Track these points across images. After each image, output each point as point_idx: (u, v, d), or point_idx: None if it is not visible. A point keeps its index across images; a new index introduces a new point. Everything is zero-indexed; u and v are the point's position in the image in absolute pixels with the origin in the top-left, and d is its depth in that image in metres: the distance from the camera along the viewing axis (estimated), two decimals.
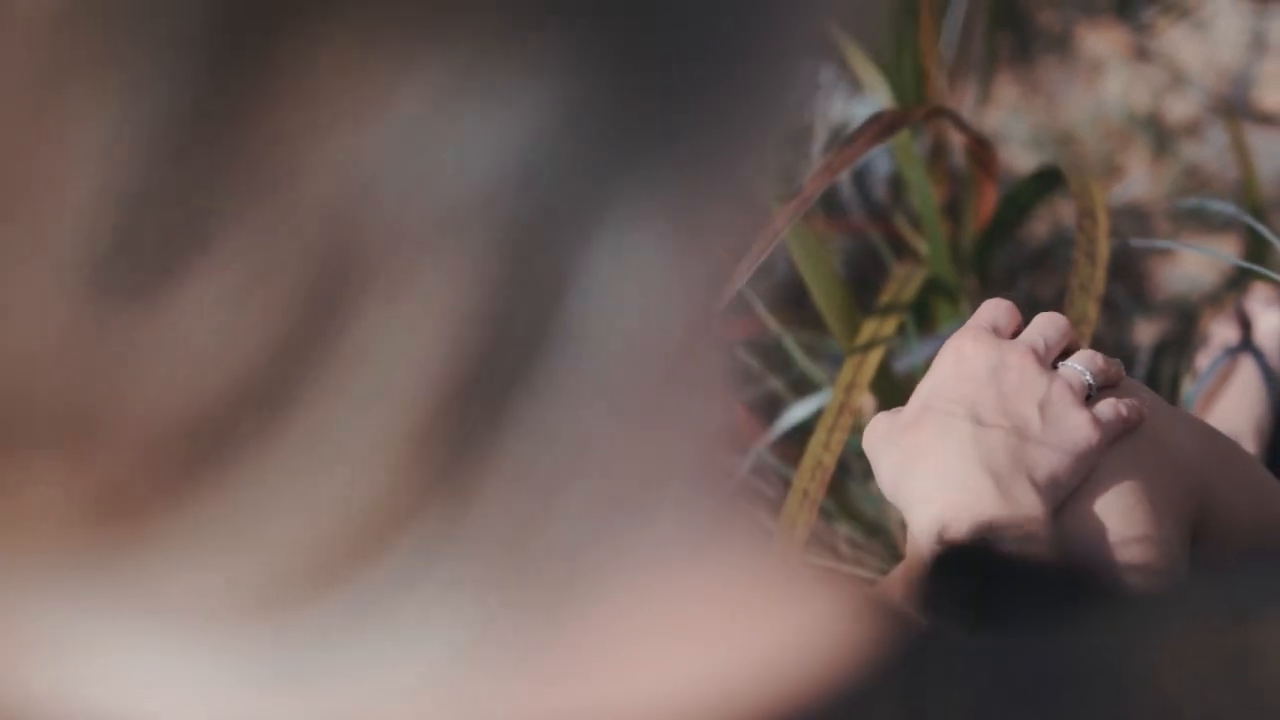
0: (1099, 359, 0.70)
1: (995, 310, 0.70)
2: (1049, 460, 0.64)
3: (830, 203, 1.27)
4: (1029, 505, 0.62)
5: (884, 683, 0.22)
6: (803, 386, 1.10)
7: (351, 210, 0.17)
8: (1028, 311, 0.73)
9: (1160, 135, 1.49)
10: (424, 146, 0.18)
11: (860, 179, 1.30)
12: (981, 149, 1.01)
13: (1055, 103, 1.54)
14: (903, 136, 0.97)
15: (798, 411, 0.99)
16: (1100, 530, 0.65)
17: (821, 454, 0.87)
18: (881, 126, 0.87)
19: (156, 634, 0.20)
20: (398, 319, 0.18)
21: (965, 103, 1.21)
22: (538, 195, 0.18)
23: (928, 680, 0.23)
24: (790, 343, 1.03)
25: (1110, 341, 1.32)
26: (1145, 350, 1.26)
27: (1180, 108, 1.52)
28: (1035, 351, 0.68)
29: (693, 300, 0.22)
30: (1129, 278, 1.38)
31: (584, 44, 0.18)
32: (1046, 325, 0.70)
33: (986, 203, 1.06)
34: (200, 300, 0.17)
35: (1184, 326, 1.32)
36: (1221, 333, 1.14)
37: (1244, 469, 0.75)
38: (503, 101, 0.18)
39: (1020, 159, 1.49)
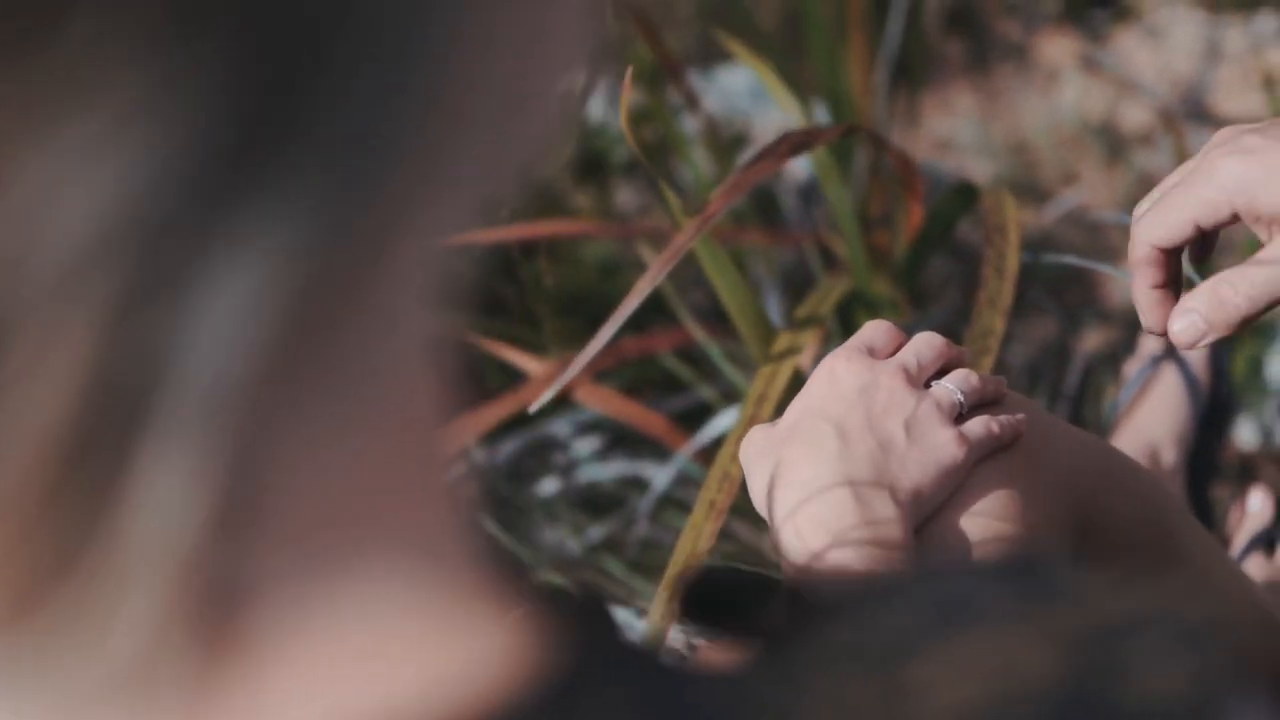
0: (973, 377, 0.72)
1: (874, 331, 0.72)
2: (911, 476, 0.66)
3: (770, 215, 1.29)
4: (889, 519, 0.64)
5: (532, 715, 0.24)
6: (733, 396, 1.12)
7: None
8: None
9: (1114, 143, 1.51)
10: (39, 211, 0.19)
11: (808, 194, 1.32)
12: (903, 165, 1.03)
13: (1010, 110, 1.55)
14: (820, 154, 0.99)
15: (720, 422, 1.01)
16: (963, 543, 0.67)
17: (729, 466, 0.89)
18: (790, 145, 0.89)
19: None
20: (25, 378, 0.20)
21: (898, 117, 1.23)
22: (151, 246, 0.20)
23: (574, 713, 0.24)
24: (716, 353, 1.05)
25: (1056, 351, 1.33)
26: (1081, 358, 1.27)
27: (1134, 115, 1.53)
28: (906, 371, 0.70)
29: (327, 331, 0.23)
30: (1077, 287, 1.40)
31: (211, 90, 0.20)
32: (921, 345, 0.72)
33: (913, 217, 1.08)
34: None
35: (1131, 336, 1.34)
36: (1149, 342, 1.16)
37: (1131, 481, 0.76)
38: (115, 159, 0.19)
39: (974, 167, 1.51)
